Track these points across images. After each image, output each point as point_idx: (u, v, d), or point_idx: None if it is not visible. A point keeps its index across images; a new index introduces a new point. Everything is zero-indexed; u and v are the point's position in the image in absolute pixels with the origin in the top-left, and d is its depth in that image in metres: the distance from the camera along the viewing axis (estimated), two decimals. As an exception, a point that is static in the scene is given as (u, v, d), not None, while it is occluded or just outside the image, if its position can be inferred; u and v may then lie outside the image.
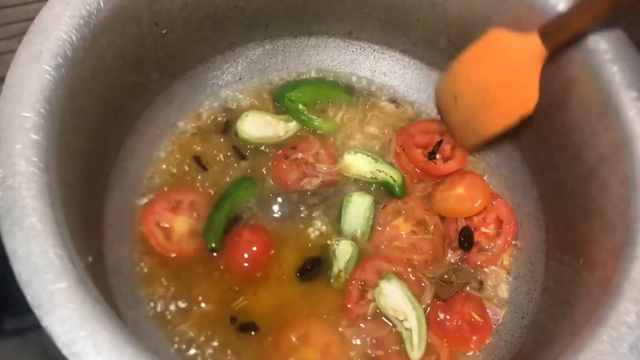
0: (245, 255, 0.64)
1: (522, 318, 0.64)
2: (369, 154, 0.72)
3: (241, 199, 0.68)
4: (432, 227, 0.69)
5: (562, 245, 0.63)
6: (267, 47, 0.76)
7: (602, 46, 0.57)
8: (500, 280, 0.68)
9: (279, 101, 0.74)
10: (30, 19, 0.84)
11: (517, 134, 0.71)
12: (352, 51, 0.78)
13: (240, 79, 0.76)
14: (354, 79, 0.79)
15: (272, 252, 0.66)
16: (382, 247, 0.68)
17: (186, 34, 0.67)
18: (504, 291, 0.68)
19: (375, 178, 0.71)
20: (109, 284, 0.60)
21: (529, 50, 0.60)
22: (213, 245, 0.65)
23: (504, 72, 0.63)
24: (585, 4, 0.55)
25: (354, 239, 0.67)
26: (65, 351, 0.40)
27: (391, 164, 0.72)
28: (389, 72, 0.79)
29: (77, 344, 0.40)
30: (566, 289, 0.60)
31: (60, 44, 0.51)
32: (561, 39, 0.58)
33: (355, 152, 0.72)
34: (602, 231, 0.56)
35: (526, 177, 0.71)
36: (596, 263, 0.55)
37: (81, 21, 0.53)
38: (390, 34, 0.76)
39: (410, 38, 0.75)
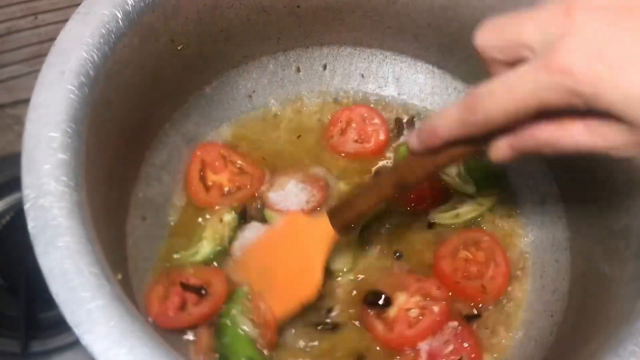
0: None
1: (551, 317, 0.64)
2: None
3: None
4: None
5: (587, 242, 0.63)
6: (280, 59, 0.76)
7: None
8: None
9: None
10: (42, 42, 0.85)
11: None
12: (364, 58, 0.79)
13: (254, 91, 0.76)
14: (367, 86, 0.79)
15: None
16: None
17: (201, 49, 0.67)
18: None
19: None
20: (136, 302, 0.60)
21: (318, 231, 0.59)
22: None
23: (292, 255, 0.62)
24: (367, 190, 0.56)
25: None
26: (107, 369, 0.39)
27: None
28: (402, 78, 0.79)
29: (118, 361, 0.40)
30: (596, 285, 0.59)
31: (82, 63, 0.51)
32: (348, 219, 0.58)
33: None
34: (630, 225, 0.56)
35: (547, 175, 0.71)
36: (626, 257, 0.55)
37: (101, 40, 0.53)
38: (402, 40, 0.76)
39: (421, 43, 0.76)
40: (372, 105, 0.78)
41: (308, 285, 0.59)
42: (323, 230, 0.59)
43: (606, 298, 0.55)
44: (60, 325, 0.71)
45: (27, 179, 0.46)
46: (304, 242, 0.61)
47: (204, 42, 0.67)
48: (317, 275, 0.59)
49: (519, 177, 0.73)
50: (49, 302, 0.50)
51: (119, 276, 0.51)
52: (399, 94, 0.79)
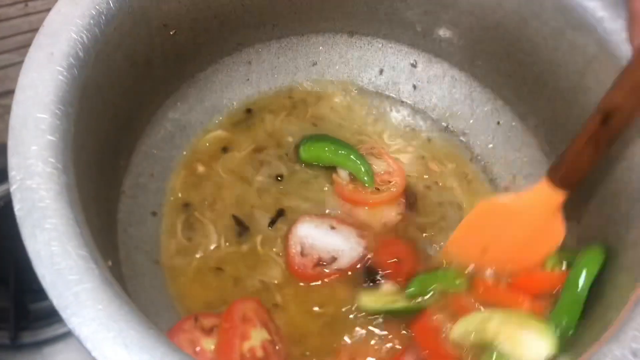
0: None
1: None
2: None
3: None
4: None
5: (588, 230, 0.62)
6: (274, 47, 0.75)
7: (619, 24, 0.57)
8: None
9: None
10: (32, 30, 0.83)
11: (533, 122, 0.70)
12: (360, 47, 0.78)
13: (248, 80, 0.75)
14: (362, 75, 0.78)
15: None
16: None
17: (194, 35, 0.66)
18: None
19: None
20: (128, 291, 0.58)
21: (544, 204, 0.57)
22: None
23: (525, 229, 0.60)
24: (581, 146, 0.53)
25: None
26: (95, 353, 0.38)
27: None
28: (397, 67, 0.78)
29: (106, 345, 0.38)
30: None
31: (72, 45, 0.50)
32: (576, 177, 0.55)
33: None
34: (629, 211, 0.55)
35: (542, 163, 0.70)
36: (627, 245, 0.54)
37: (91, 21, 0.52)
38: (398, 28, 0.75)
39: (418, 31, 0.75)
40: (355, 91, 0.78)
41: (553, 239, 0.59)
42: (549, 199, 0.57)
43: (606, 284, 0.54)
44: (50, 316, 0.70)
45: (13, 161, 0.44)
46: (531, 218, 0.59)
47: (198, 27, 0.66)
48: (560, 231, 0.59)
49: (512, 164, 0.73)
50: (39, 293, 0.49)
51: (109, 263, 0.50)
52: (396, 83, 0.78)
